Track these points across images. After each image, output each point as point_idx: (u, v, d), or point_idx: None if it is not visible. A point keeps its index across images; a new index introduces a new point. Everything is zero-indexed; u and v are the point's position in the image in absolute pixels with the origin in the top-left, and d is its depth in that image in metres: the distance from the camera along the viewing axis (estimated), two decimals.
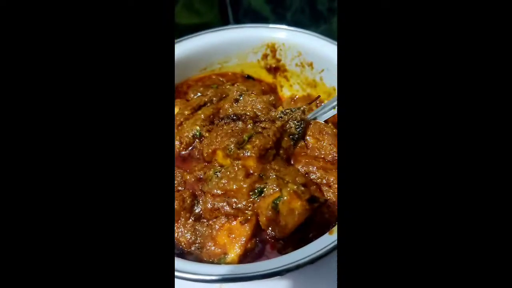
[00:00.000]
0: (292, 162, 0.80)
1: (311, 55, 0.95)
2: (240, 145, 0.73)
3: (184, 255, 0.69)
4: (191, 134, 0.82)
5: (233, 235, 0.67)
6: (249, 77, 1.03)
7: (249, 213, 0.68)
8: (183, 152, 0.82)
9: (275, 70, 1.03)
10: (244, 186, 0.67)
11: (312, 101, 0.91)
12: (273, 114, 0.82)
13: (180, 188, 0.75)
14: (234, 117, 0.81)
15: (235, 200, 0.68)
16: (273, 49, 0.99)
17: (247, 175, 0.70)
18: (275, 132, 0.76)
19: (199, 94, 0.93)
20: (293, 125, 0.81)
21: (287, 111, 0.83)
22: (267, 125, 0.77)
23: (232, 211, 0.68)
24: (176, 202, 0.71)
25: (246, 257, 0.67)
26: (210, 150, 0.76)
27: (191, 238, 0.70)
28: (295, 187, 0.66)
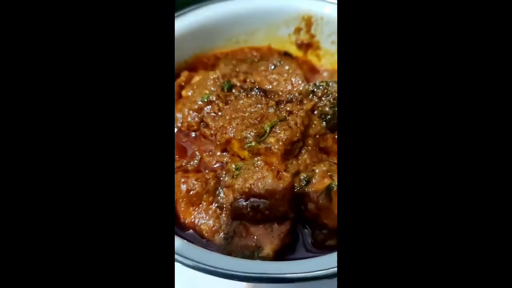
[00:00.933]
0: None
1: None
2: (261, 138, 0.60)
3: (208, 245, 0.57)
4: (199, 102, 0.70)
5: (270, 228, 0.55)
6: (286, 54, 0.91)
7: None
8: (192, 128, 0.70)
9: (306, 46, 0.91)
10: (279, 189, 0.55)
11: None
12: (303, 88, 0.68)
13: (202, 169, 0.63)
14: (258, 91, 0.68)
15: (269, 202, 0.57)
16: (308, 22, 0.88)
17: (277, 175, 0.58)
18: (303, 119, 0.63)
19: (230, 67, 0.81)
20: (328, 103, 0.67)
21: (321, 84, 0.69)
22: (294, 108, 0.64)
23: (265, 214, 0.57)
24: (198, 184, 0.59)
25: (282, 252, 0.56)
26: (223, 139, 0.63)
27: (214, 225, 0.58)
28: None
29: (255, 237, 0.56)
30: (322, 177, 0.58)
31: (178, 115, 0.72)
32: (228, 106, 0.68)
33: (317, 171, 0.59)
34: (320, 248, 0.59)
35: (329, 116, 0.68)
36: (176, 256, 0.49)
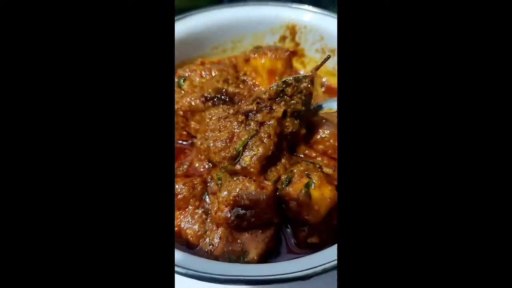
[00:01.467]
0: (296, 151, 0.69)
1: (335, 41, 0.87)
2: (235, 160, 0.62)
3: (191, 249, 0.59)
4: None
5: (255, 234, 0.58)
6: None
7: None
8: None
9: (292, 54, 0.94)
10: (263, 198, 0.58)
11: (321, 64, 0.68)
12: (272, 89, 0.64)
13: (191, 173, 0.66)
14: (224, 99, 0.70)
15: (254, 211, 0.59)
16: (293, 31, 0.91)
17: (260, 185, 0.60)
18: (275, 128, 0.63)
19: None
20: (299, 100, 0.64)
21: (290, 80, 0.64)
22: (265, 118, 0.63)
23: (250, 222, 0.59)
24: (185, 188, 0.62)
25: (266, 256, 0.59)
26: (204, 151, 0.66)
27: (199, 230, 0.60)
28: (325, 170, 0.59)
29: (241, 242, 0.58)
30: (300, 176, 0.60)
31: None
32: (203, 116, 0.70)
33: (295, 171, 0.61)
34: (303, 247, 0.62)
35: (302, 112, 0.66)
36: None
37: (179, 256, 0.52)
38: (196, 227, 0.61)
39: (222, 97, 0.71)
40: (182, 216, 0.61)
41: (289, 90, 0.65)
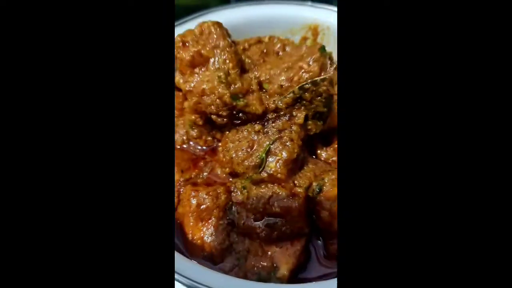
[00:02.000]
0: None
1: None
2: (260, 168, 0.59)
3: (215, 264, 0.55)
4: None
5: (285, 246, 0.54)
6: None
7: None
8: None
9: None
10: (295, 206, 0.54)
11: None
12: (289, 97, 0.60)
13: (212, 181, 0.61)
14: (239, 120, 0.64)
15: (285, 220, 0.55)
16: (315, 32, 0.87)
17: (291, 192, 0.56)
18: (299, 133, 0.61)
19: None
20: (320, 103, 0.62)
21: (308, 85, 0.61)
22: (285, 125, 0.61)
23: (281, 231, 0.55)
24: (209, 198, 0.57)
25: (297, 271, 0.54)
26: (228, 169, 0.63)
27: (224, 242, 0.56)
28: None
29: (271, 256, 0.54)
30: (332, 185, 0.57)
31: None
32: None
33: (326, 179, 0.58)
34: (334, 260, 0.58)
35: (325, 114, 0.64)
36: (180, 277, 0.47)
37: (206, 274, 0.47)
38: (220, 239, 0.56)
39: (237, 115, 0.65)
40: (205, 228, 0.57)
41: (307, 95, 0.62)
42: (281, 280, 0.53)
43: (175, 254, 0.51)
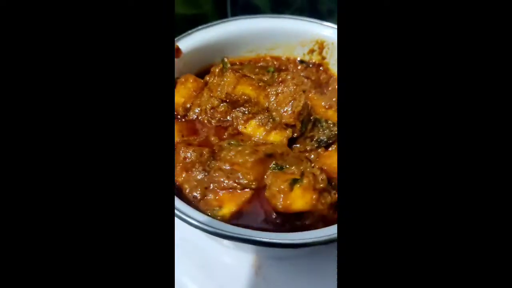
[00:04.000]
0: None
1: None
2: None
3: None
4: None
5: (234, 195, 0.70)
6: (302, 62, 1.05)
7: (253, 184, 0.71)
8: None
9: (317, 66, 1.05)
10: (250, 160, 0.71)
11: None
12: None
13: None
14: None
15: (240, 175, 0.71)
16: (321, 46, 1.02)
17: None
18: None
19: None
20: (324, 138, 0.80)
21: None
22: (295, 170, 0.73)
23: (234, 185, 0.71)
24: (194, 154, 0.74)
25: (238, 218, 0.69)
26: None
27: (194, 184, 0.73)
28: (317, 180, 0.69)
29: (220, 199, 0.70)
30: (294, 171, 0.72)
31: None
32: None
33: (290, 165, 0.74)
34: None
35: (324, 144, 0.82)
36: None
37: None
38: (193, 183, 0.73)
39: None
40: (185, 175, 0.74)
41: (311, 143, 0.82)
42: (222, 218, 0.68)
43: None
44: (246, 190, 0.70)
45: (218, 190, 0.71)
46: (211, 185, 0.72)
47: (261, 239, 0.61)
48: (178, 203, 0.65)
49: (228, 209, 0.69)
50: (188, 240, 0.89)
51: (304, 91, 0.83)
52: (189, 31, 0.96)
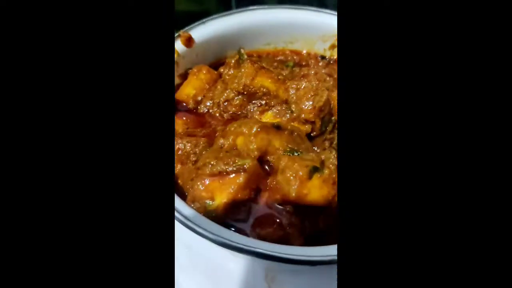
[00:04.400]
0: None
1: None
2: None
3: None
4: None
5: (224, 182, 0.61)
6: (323, 58, 0.97)
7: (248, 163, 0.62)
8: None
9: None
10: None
11: None
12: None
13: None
14: None
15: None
16: None
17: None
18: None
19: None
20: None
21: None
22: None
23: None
24: (189, 145, 0.68)
25: (234, 207, 0.61)
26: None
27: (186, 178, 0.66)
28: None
29: (209, 189, 0.61)
30: (313, 159, 0.64)
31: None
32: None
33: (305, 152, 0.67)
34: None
35: None
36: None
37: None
38: (186, 176, 0.66)
39: None
40: (179, 166, 0.67)
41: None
42: (216, 212, 0.59)
43: None
44: (239, 174, 0.61)
45: (204, 178, 0.61)
46: (198, 172, 0.63)
47: (273, 253, 0.53)
48: (180, 205, 0.58)
49: (219, 199, 0.60)
50: (193, 247, 0.82)
51: (326, 88, 0.76)
52: (203, 20, 0.90)
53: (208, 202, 0.60)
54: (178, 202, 0.58)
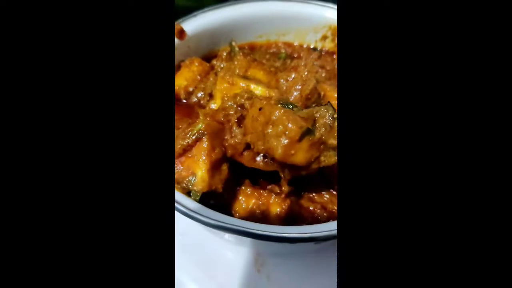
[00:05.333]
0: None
1: None
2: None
3: None
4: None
5: (193, 154, 0.62)
6: (315, 49, 0.98)
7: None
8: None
9: (331, 55, 0.98)
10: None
11: None
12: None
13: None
14: None
15: None
16: (334, 32, 0.96)
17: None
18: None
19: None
20: (331, 137, 0.59)
21: (312, 112, 0.60)
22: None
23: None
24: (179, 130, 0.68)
25: (215, 170, 0.63)
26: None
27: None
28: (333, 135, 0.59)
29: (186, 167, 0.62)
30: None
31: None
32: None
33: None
34: None
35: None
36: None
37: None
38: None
39: None
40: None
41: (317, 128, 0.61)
42: (202, 184, 0.61)
43: None
44: (201, 139, 0.62)
45: (176, 161, 0.62)
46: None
47: (258, 232, 0.55)
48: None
49: (199, 170, 0.61)
50: (188, 235, 0.83)
51: (316, 80, 0.77)
52: (195, 13, 0.91)
53: (191, 178, 0.61)
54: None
